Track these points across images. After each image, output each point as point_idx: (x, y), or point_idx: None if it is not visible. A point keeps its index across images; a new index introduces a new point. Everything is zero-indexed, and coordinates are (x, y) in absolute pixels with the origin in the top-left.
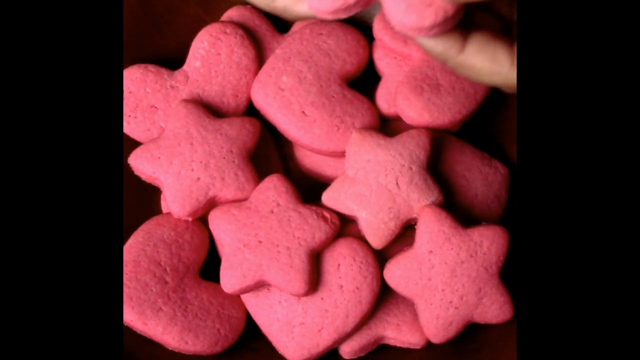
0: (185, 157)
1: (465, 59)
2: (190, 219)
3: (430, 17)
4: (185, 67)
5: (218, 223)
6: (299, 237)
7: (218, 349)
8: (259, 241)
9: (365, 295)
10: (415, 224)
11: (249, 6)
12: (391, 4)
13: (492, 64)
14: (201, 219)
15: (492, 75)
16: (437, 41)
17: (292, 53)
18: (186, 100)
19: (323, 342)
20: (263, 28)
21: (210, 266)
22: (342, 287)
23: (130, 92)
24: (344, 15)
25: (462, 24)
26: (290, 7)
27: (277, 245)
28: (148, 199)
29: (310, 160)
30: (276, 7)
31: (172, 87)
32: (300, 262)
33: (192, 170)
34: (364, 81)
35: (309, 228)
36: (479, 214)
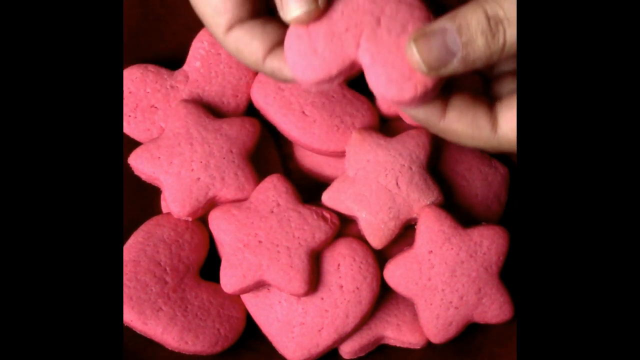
0: (185, 157)
1: (446, 126)
2: (190, 219)
3: (410, 91)
4: (185, 67)
5: (218, 223)
6: (299, 237)
7: (218, 349)
8: (259, 241)
9: (365, 295)
10: (415, 224)
11: None
12: (372, 76)
13: (472, 129)
14: (201, 219)
15: (474, 140)
16: (419, 109)
17: None
18: (186, 100)
19: (323, 342)
20: None
21: (210, 266)
22: (342, 287)
23: (130, 92)
24: (327, 87)
25: (442, 88)
26: (277, 72)
27: (277, 245)
28: (148, 199)
29: (310, 160)
30: (264, 69)
31: (172, 87)
32: (300, 262)
33: (192, 170)
34: (364, 81)
35: (309, 228)
36: (479, 214)
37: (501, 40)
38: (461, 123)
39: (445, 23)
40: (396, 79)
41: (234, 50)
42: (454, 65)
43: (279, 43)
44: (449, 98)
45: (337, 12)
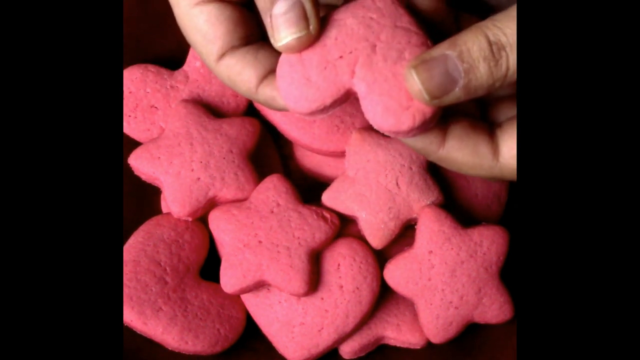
0: (185, 157)
1: (446, 154)
2: (190, 219)
3: (407, 121)
4: (185, 67)
5: (218, 223)
6: (298, 237)
7: (218, 349)
8: (259, 241)
9: (365, 295)
10: (415, 224)
11: None
12: (368, 106)
13: (473, 158)
14: (201, 219)
15: (475, 169)
16: (416, 138)
17: None
18: (186, 100)
19: (323, 342)
20: None
21: (210, 266)
22: (342, 287)
23: (130, 92)
24: (321, 116)
25: (441, 117)
26: (270, 101)
27: (277, 245)
28: (148, 199)
29: (310, 160)
30: (257, 98)
31: (172, 87)
32: (300, 262)
33: (192, 170)
34: None
35: (308, 228)
36: (479, 214)
37: (504, 67)
38: (461, 152)
39: (445, 49)
40: (393, 109)
41: (226, 79)
42: (456, 94)
43: (272, 70)
44: (448, 125)
45: (331, 39)
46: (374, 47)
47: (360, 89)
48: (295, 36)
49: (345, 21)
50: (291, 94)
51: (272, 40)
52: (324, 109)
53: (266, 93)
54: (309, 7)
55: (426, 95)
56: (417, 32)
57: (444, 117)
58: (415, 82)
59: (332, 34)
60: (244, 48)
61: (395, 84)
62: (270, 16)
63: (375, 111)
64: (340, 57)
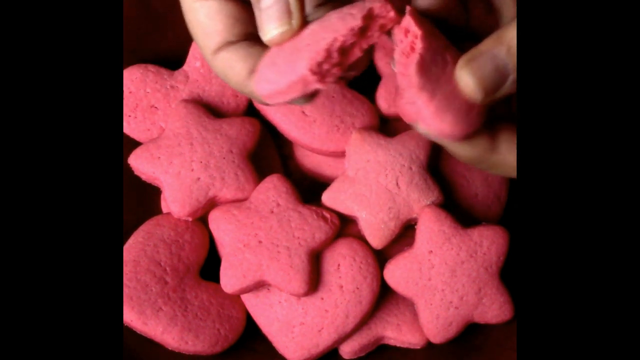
0: (185, 157)
1: (500, 158)
2: (190, 219)
3: (470, 128)
4: (185, 67)
5: (218, 223)
6: (299, 237)
7: (218, 349)
8: (259, 241)
9: (365, 295)
10: (415, 224)
11: None
12: (434, 115)
13: None
14: (201, 219)
15: None
16: (469, 147)
17: None
18: (186, 100)
19: (323, 342)
20: None
21: (210, 266)
22: (342, 287)
23: (130, 92)
24: (281, 101)
25: (487, 122)
26: (254, 93)
27: (277, 245)
28: (148, 199)
29: (310, 160)
30: (245, 91)
31: (172, 87)
32: (300, 262)
33: (192, 170)
34: (364, 81)
35: (309, 228)
36: (479, 214)
37: None
38: (514, 154)
39: (492, 46)
40: (461, 116)
41: (220, 72)
42: (507, 88)
43: None
44: (495, 131)
45: (308, 29)
46: (433, 57)
47: (422, 98)
48: (278, 30)
49: (331, 16)
50: (258, 77)
51: (260, 35)
52: (280, 93)
53: (252, 85)
54: (292, 1)
55: (481, 92)
56: (440, 34)
57: (489, 123)
58: (469, 82)
59: (312, 26)
60: (239, 43)
61: (453, 89)
62: (259, 10)
63: (444, 118)
64: (307, 44)
